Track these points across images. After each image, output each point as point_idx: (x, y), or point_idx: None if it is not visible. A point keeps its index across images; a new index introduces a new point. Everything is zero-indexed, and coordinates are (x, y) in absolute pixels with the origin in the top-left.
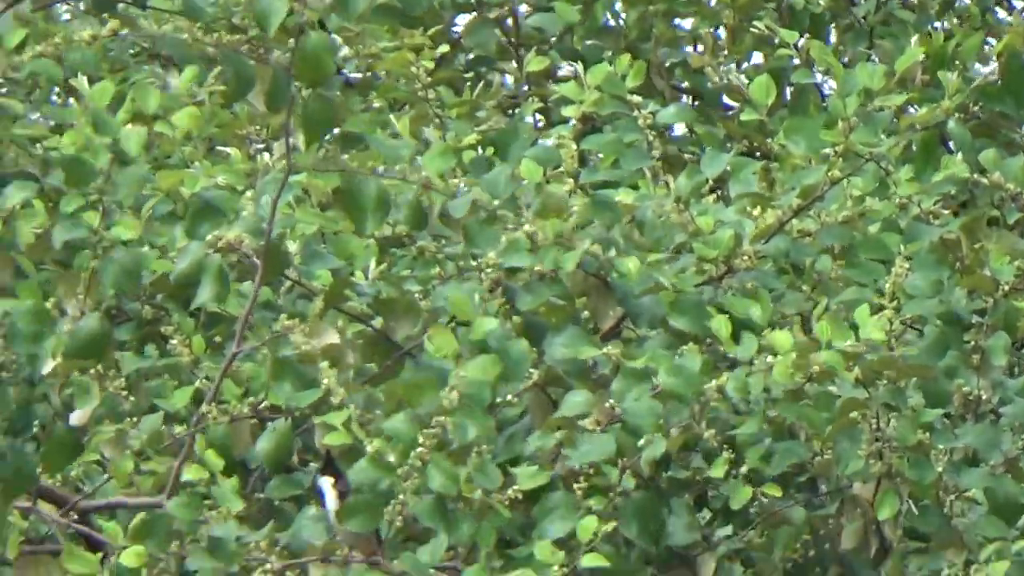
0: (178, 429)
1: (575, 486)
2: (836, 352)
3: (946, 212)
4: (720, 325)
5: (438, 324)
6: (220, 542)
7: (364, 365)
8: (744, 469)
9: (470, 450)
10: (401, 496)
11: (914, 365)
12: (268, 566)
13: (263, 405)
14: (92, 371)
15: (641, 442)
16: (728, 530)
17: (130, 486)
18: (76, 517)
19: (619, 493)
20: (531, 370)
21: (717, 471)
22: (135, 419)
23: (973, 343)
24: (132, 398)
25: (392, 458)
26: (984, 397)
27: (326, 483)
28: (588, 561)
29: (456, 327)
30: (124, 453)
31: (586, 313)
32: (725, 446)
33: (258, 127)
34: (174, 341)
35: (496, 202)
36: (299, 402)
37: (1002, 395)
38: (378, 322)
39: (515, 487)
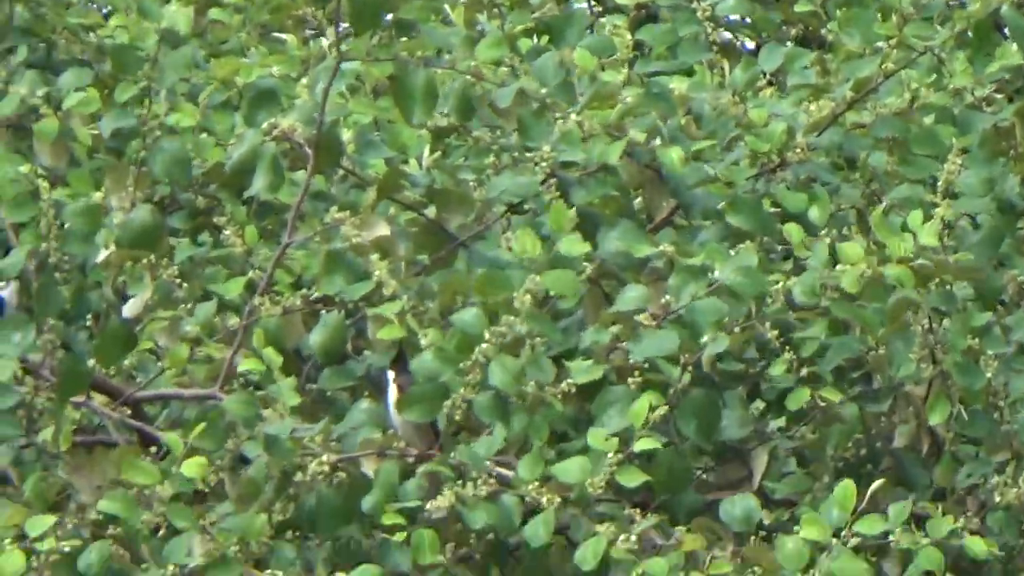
0: (231, 319)
1: (630, 380)
2: (904, 267)
3: (1000, 97)
4: (790, 229)
5: (523, 226)
6: (276, 440)
7: (417, 256)
8: (804, 372)
9: (523, 343)
10: (461, 390)
11: (966, 267)
12: (323, 459)
13: (315, 296)
14: (145, 261)
15: (704, 339)
16: (781, 422)
17: (183, 375)
18: (129, 411)
19: (679, 390)
20: (585, 264)
21: (778, 369)
22: (189, 307)
23: None
24: (185, 286)
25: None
26: None
27: (390, 376)
28: (641, 445)
29: (510, 219)
30: (178, 341)
31: (638, 201)
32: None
33: (313, 9)
34: (227, 231)
35: (545, 90)
36: (351, 295)
37: None
38: (431, 212)
39: (569, 381)
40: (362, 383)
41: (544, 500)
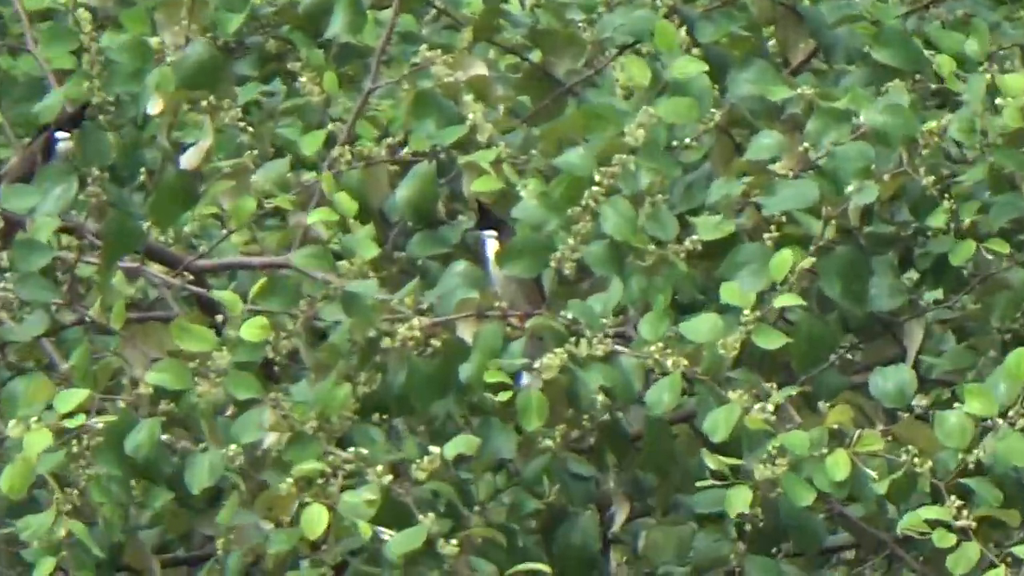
0: (307, 176)
1: (765, 236)
2: None
3: None
4: (942, 61)
5: (630, 54)
6: (355, 297)
7: (518, 100)
8: (965, 222)
9: (644, 198)
10: (570, 240)
11: None
12: (413, 322)
13: (403, 148)
14: (204, 103)
15: (850, 188)
16: (938, 294)
17: (252, 242)
18: (190, 279)
19: (821, 247)
20: (712, 110)
21: (937, 220)
22: (257, 160)
23: None
24: (251, 131)
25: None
26: None
27: (486, 237)
28: (783, 301)
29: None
30: (245, 194)
31: (774, 44)
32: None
33: None
34: (303, 78)
35: None
36: (442, 140)
37: None
38: (535, 55)
39: (695, 238)
40: (457, 251)
41: (669, 363)
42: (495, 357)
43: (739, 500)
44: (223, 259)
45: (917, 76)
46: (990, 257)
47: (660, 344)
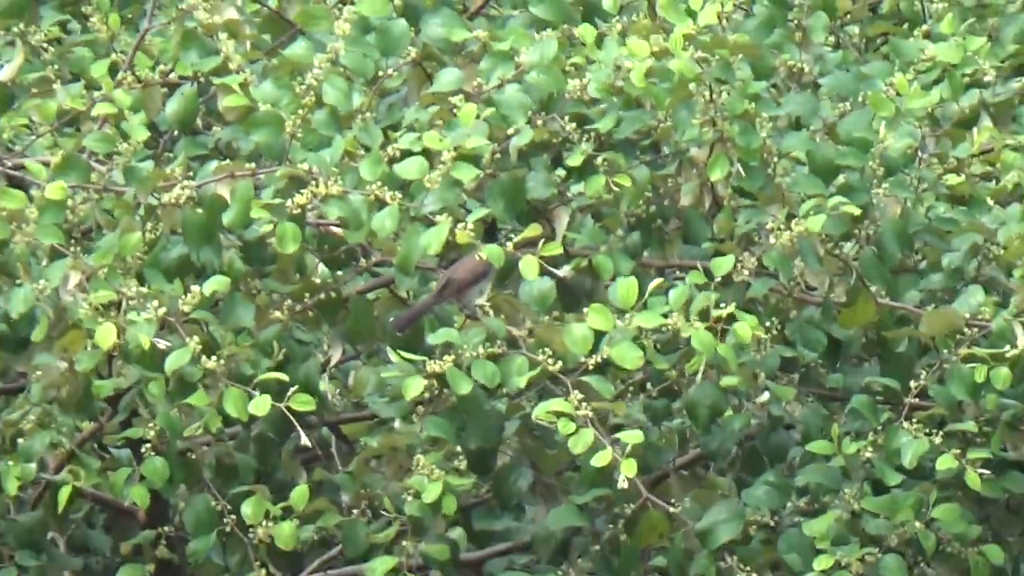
0: (97, 95)
1: (444, 156)
2: (685, 62)
3: None
4: (584, 30)
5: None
6: (135, 170)
7: (261, 37)
8: (601, 159)
9: (357, 115)
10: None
11: (742, 43)
12: (184, 184)
13: (171, 74)
14: (15, 31)
15: (511, 130)
16: (580, 187)
17: (55, 146)
18: (8, 167)
19: (491, 163)
20: (410, 47)
21: (575, 160)
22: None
23: (796, 22)
24: (52, 50)
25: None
26: (806, 70)
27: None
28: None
29: (342, 6)
30: (49, 99)
31: None
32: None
33: None
34: (93, 19)
35: None
36: (202, 67)
37: (822, 68)
38: (274, 2)
39: (395, 146)
40: (214, 153)
41: (388, 197)
42: (250, 204)
43: (414, 387)
44: (34, 156)
45: (564, 25)
46: (622, 162)
47: (379, 182)
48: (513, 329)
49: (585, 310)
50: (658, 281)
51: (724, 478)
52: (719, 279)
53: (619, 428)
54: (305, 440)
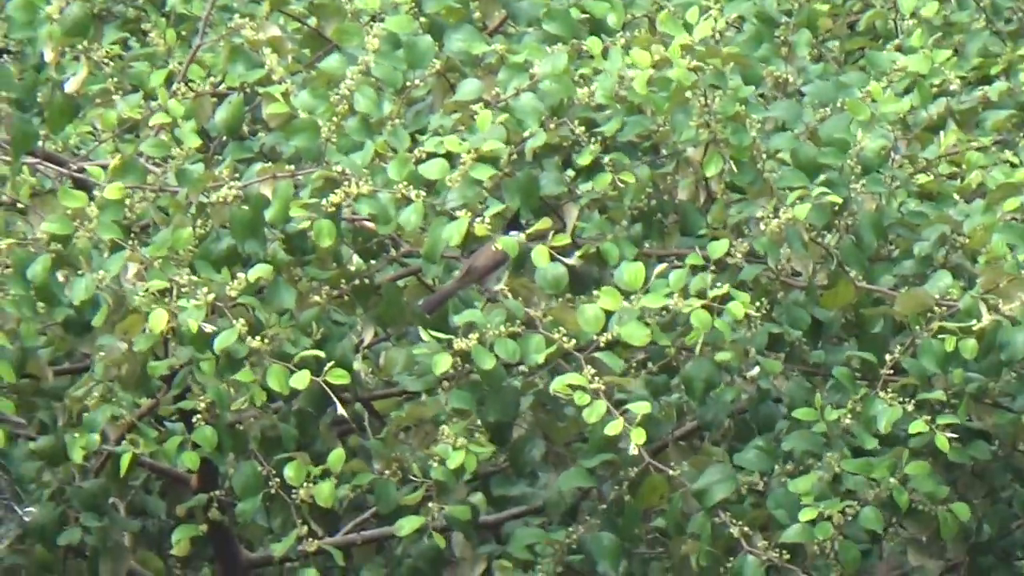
0: (154, 104)
1: (465, 156)
2: (683, 69)
3: None
4: (592, 43)
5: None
6: (187, 172)
7: (301, 51)
8: (607, 159)
9: (386, 122)
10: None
11: (733, 54)
12: (230, 185)
13: (221, 85)
14: (80, 47)
15: (526, 133)
16: (588, 185)
17: (116, 151)
18: (74, 170)
19: (508, 164)
20: (434, 60)
21: (584, 159)
22: (118, 86)
23: (782, 38)
24: (113, 64)
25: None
26: (791, 80)
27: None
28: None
29: (373, 23)
30: (110, 108)
31: (477, 14)
32: (589, 136)
33: None
34: (152, 35)
35: None
36: (248, 79)
37: (805, 78)
38: (313, 21)
39: (420, 149)
40: (259, 156)
41: (413, 195)
42: (289, 202)
43: (442, 363)
44: (97, 160)
45: (574, 40)
46: (626, 160)
47: (405, 182)
48: (530, 310)
49: (596, 292)
50: (662, 266)
51: (718, 447)
52: (714, 263)
53: (622, 403)
54: (341, 410)
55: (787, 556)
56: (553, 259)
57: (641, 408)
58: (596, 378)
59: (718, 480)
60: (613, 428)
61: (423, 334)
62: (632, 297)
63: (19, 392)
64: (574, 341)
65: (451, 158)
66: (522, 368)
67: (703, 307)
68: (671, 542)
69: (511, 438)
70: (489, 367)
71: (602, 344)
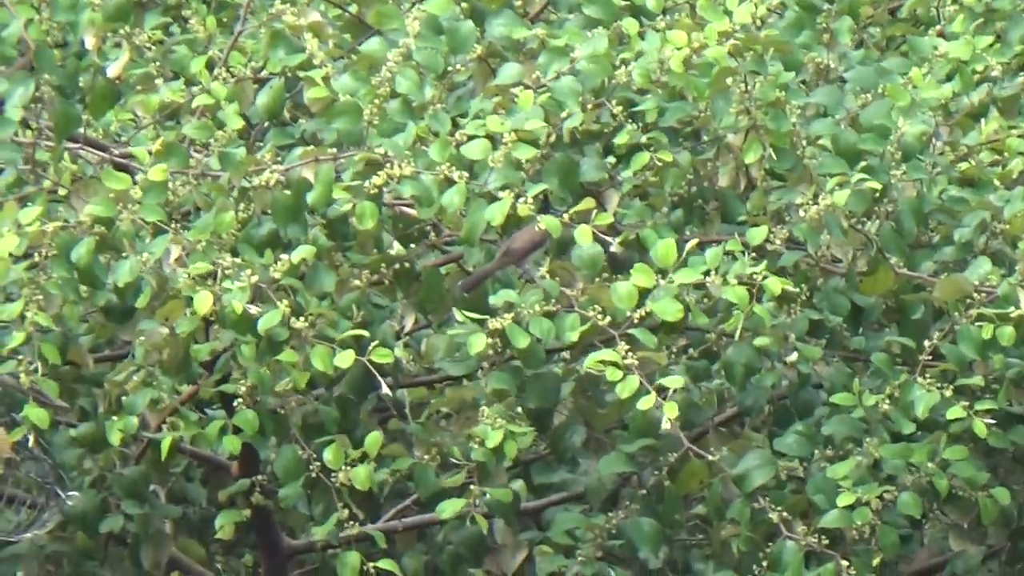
0: (195, 89)
1: (505, 140)
2: (720, 49)
3: None
4: (628, 24)
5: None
6: (229, 155)
7: (342, 37)
8: (644, 139)
9: (427, 107)
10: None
11: (774, 40)
12: (273, 168)
13: (262, 70)
14: (123, 32)
15: (564, 114)
16: (629, 173)
17: (157, 138)
18: (116, 155)
19: (547, 145)
20: (475, 46)
21: (622, 139)
22: (160, 71)
23: (824, 25)
24: (155, 49)
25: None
26: (832, 66)
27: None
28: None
29: (413, 7)
30: (152, 92)
31: (519, 1)
32: (628, 117)
33: None
34: (193, 22)
35: None
36: (289, 64)
37: (846, 65)
38: (354, 8)
39: (461, 132)
40: (299, 142)
41: (456, 176)
42: (331, 187)
43: (478, 343)
44: (138, 145)
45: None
46: (664, 140)
47: (447, 163)
48: (566, 290)
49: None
50: (694, 242)
51: (758, 433)
52: (753, 249)
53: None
54: (385, 390)
55: (826, 542)
56: (595, 240)
57: (674, 382)
58: (629, 354)
59: (758, 465)
60: (645, 403)
61: (458, 315)
62: (667, 275)
63: (60, 379)
64: (609, 319)
65: (492, 140)
66: (564, 355)
67: (740, 284)
68: (711, 528)
69: (552, 424)
70: (524, 345)
71: (636, 321)
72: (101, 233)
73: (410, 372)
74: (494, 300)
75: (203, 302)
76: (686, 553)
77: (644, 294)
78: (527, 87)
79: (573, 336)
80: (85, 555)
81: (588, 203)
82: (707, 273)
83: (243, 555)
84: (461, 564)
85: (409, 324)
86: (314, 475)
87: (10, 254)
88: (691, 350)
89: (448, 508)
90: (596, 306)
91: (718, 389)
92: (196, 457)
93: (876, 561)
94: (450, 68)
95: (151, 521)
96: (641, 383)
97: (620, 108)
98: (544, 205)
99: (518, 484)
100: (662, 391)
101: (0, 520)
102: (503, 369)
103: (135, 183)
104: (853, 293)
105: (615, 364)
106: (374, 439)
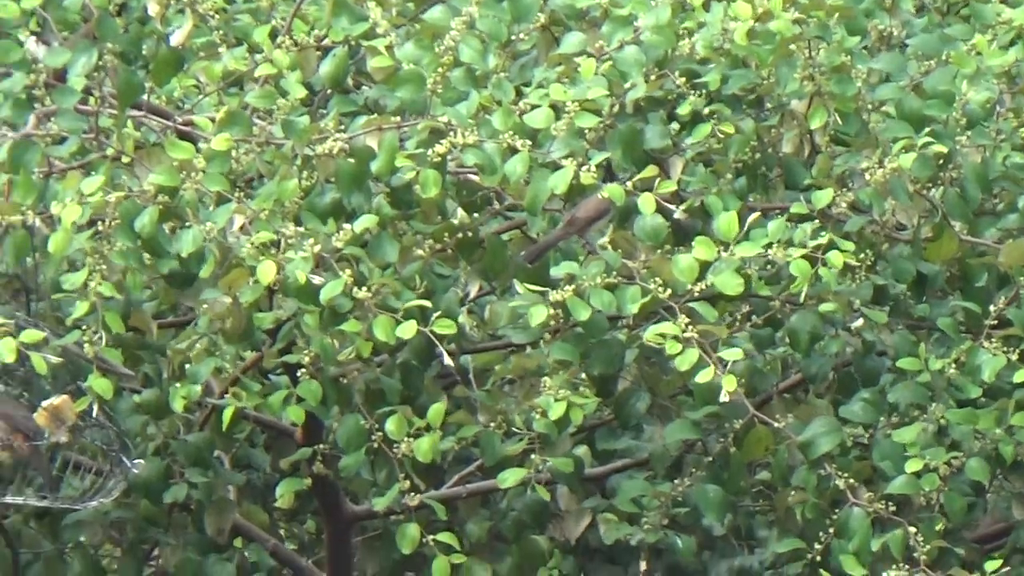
0: (259, 57)
1: (567, 110)
2: (784, 21)
3: None
4: None
5: None
6: (292, 123)
7: (406, 4)
8: (707, 110)
9: (491, 75)
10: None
11: (837, 5)
12: (336, 136)
13: (325, 39)
14: (186, 0)
15: (627, 84)
16: (692, 139)
17: (220, 105)
18: (179, 122)
19: (610, 115)
20: (538, 14)
21: (684, 109)
22: (225, 46)
23: None
24: (218, 17)
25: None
26: (895, 33)
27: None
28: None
29: None
30: (215, 60)
31: None
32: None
33: None
34: None
35: None
36: (352, 32)
37: (909, 31)
38: None
39: (525, 101)
40: (362, 110)
41: (519, 144)
42: (395, 154)
43: (539, 315)
44: (202, 113)
45: None
46: (728, 112)
47: (510, 132)
48: (628, 262)
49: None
50: (756, 215)
51: (822, 400)
52: (818, 213)
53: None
54: (447, 360)
55: (893, 508)
56: (658, 208)
57: (733, 355)
58: (689, 327)
59: (824, 432)
60: (705, 375)
61: (518, 287)
62: (729, 248)
63: (124, 345)
64: (670, 291)
65: (555, 109)
66: (627, 321)
67: (803, 257)
68: (776, 495)
69: (616, 391)
70: (584, 318)
71: (696, 293)
72: (164, 202)
73: (474, 338)
74: (555, 271)
75: (266, 272)
76: (749, 519)
77: (705, 267)
78: (590, 56)
79: (634, 309)
80: (149, 521)
81: (651, 170)
82: (769, 246)
83: (306, 521)
84: (524, 531)
85: (473, 291)
86: (376, 445)
87: (73, 223)
88: (755, 317)
89: (509, 477)
90: (657, 278)
91: (782, 356)
92: (260, 423)
93: (939, 526)
94: (513, 37)
95: (215, 488)
96: (701, 356)
97: (683, 79)
98: (608, 174)
99: (582, 450)
100: (722, 363)
101: (65, 487)
102: (566, 338)
103: (198, 152)
104: (918, 260)
105: (674, 337)
106: (438, 410)
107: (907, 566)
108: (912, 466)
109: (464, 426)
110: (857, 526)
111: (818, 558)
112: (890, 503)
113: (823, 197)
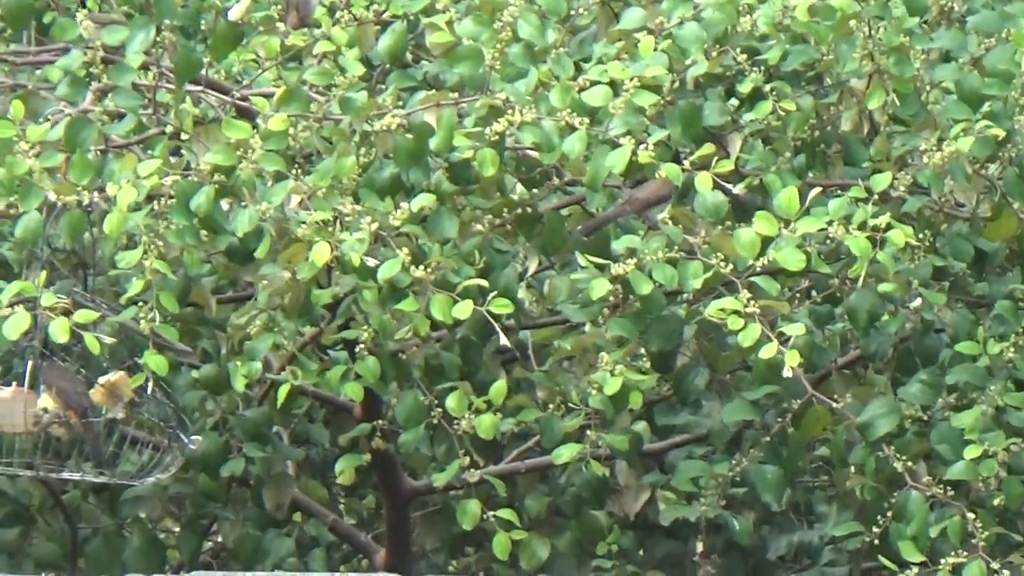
0: (317, 32)
1: (627, 85)
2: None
3: None
4: None
5: None
6: (350, 100)
7: None
8: (768, 87)
9: (549, 50)
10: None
11: None
12: (394, 113)
13: (384, 13)
14: None
15: (688, 61)
16: (751, 116)
17: (279, 80)
18: (238, 98)
19: (670, 92)
20: None
21: (745, 87)
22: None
23: None
24: (280, 7)
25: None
26: (956, 8)
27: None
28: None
29: None
30: (273, 36)
31: None
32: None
33: None
34: None
35: None
36: (411, 7)
37: (970, 6)
38: None
39: (584, 77)
40: (421, 85)
41: (577, 122)
42: (453, 130)
43: (600, 288)
44: (259, 88)
45: None
46: (788, 90)
47: (568, 109)
48: (689, 237)
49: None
50: (816, 191)
51: (881, 376)
52: (877, 195)
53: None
54: (504, 341)
55: (951, 492)
56: (716, 186)
57: (796, 329)
58: (751, 302)
59: (882, 414)
60: (767, 351)
61: (580, 259)
62: (790, 224)
63: (183, 321)
64: (731, 267)
65: (614, 86)
66: (686, 296)
67: (865, 237)
68: (835, 473)
69: (675, 366)
70: (646, 292)
71: (758, 269)
72: (221, 181)
73: (533, 313)
74: (616, 245)
75: (321, 253)
76: (808, 495)
77: (766, 242)
78: (650, 32)
79: (696, 284)
80: (207, 496)
81: (708, 148)
82: (830, 223)
83: (365, 496)
84: (583, 506)
85: (533, 267)
86: (435, 421)
87: (129, 205)
88: (814, 293)
89: (565, 453)
90: (719, 254)
91: (841, 332)
92: (318, 398)
93: (997, 503)
94: (572, 12)
95: (273, 463)
96: (763, 332)
97: (744, 56)
98: (673, 158)
99: (641, 426)
100: (784, 338)
101: (124, 462)
102: (625, 315)
103: (256, 129)
104: (976, 238)
105: (737, 312)
106: (499, 388)
107: (965, 552)
108: (971, 452)
109: (525, 409)
110: (916, 510)
111: (876, 542)
112: (948, 487)
113: (882, 180)
